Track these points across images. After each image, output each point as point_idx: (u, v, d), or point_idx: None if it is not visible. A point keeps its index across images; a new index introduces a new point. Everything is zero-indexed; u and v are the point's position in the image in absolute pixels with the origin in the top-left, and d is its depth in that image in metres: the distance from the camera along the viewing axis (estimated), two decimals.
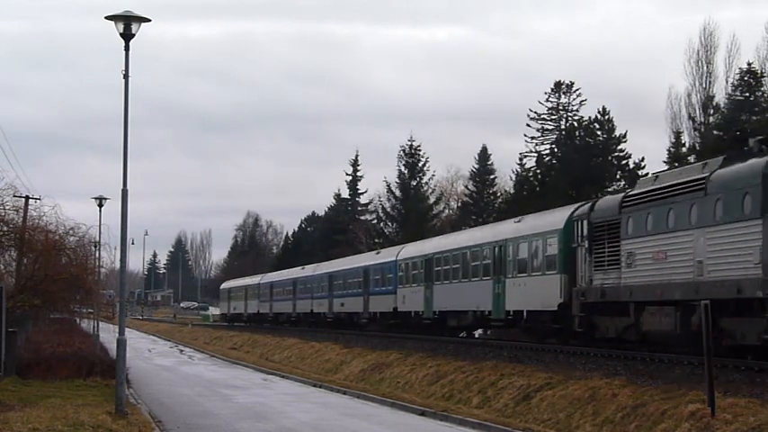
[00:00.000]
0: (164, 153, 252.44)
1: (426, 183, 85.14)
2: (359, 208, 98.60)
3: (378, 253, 59.87)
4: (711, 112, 62.15)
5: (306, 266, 74.54)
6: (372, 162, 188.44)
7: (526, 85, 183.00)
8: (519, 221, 38.70)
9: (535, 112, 78.90)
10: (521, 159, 77.97)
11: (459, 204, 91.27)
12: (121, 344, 25.49)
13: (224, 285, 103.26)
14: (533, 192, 65.48)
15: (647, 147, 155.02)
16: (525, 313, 36.20)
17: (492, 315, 38.92)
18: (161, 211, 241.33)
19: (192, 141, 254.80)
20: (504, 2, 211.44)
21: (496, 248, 38.71)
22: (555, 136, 75.56)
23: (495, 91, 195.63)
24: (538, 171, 68.95)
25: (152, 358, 63.63)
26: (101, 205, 50.83)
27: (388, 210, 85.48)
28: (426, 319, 46.72)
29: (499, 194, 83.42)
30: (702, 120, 63.08)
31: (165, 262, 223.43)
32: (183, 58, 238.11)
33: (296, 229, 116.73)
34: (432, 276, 45.87)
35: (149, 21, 24.96)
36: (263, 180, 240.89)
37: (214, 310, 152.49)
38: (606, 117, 65.92)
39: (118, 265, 36.89)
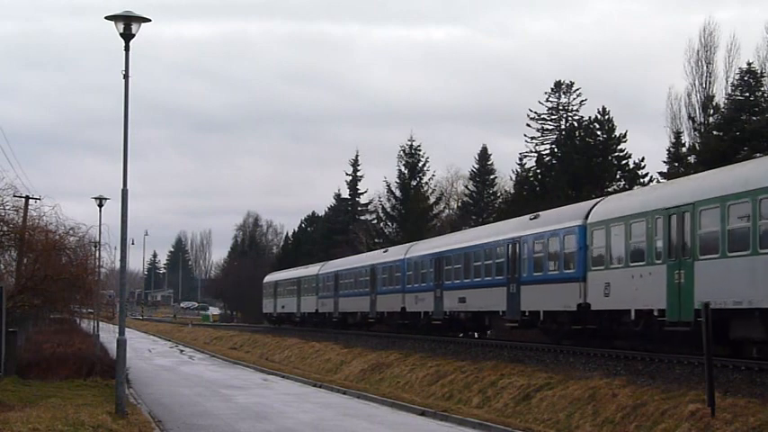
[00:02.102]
0: (160, 153, 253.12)
1: (426, 183, 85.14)
2: (359, 208, 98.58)
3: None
4: (711, 112, 62.08)
5: (389, 249, 58.52)
6: (372, 162, 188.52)
7: (524, 85, 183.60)
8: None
9: (535, 112, 78.98)
10: (521, 159, 78.06)
11: (459, 204, 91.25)
12: (121, 344, 25.48)
13: (269, 278, 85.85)
14: (533, 192, 65.41)
15: (646, 147, 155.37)
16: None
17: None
18: (161, 211, 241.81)
19: (189, 142, 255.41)
20: (498, 1, 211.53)
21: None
22: (555, 136, 75.52)
23: (494, 91, 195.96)
24: (538, 171, 68.87)
25: (152, 358, 63.63)
26: (101, 205, 50.83)
27: (388, 210, 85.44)
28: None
29: (499, 194, 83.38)
30: (702, 120, 63.03)
31: (165, 262, 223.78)
32: (179, 59, 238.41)
33: (296, 229, 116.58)
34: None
35: (149, 21, 24.96)
36: (262, 180, 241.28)
37: (214, 311, 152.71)
38: (606, 117, 65.85)
39: (118, 265, 36.93)
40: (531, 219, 36.79)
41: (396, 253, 53.07)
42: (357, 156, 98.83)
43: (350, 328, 58.62)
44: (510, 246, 36.95)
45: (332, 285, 58.07)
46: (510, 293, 36.52)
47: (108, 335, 55.20)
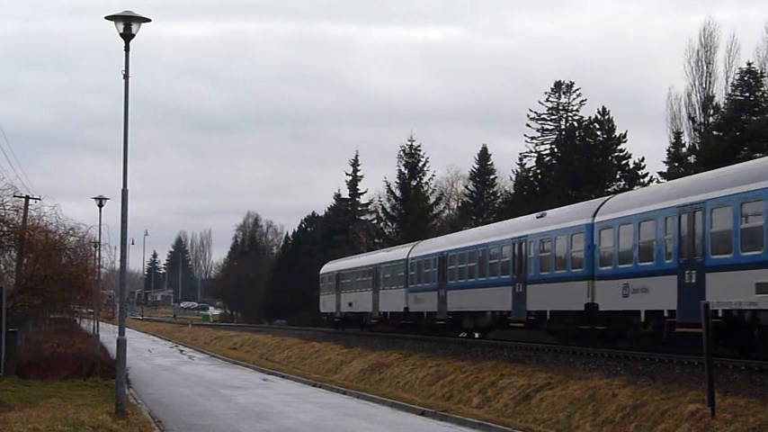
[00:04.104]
0: (160, 153, 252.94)
1: (426, 183, 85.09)
2: (359, 208, 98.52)
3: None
4: (711, 112, 62.10)
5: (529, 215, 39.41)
6: (372, 162, 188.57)
7: (524, 85, 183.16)
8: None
9: (535, 112, 78.97)
10: (521, 159, 78.06)
11: (460, 204, 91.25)
12: (121, 344, 25.48)
13: (328, 267, 66.52)
14: (533, 192, 65.42)
15: (646, 147, 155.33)
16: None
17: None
18: (161, 211, 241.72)
19: (189, 142, 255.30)
20: (498, 1, 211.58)
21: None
22: (555, 136, 75.53)
23: (494, 91, 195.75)
24: (538, 171, 68.89)
25: (152, 358, 63.64)
26: (101, 205, 50.82)
27: (388, 210, 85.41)
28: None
29: (499, 194, 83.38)
30: (702, 120, 63.05)
31: (165, 262, 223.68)
32: (179, 59, 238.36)
33: (296, 229, 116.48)
34: None
35: (149, 21, 24.96)
36: (262, 180, 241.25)
37: (214, 311, 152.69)
38: (606, 117, 65.86)
39: (118, 265, 36.91)
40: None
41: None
42: (357, 156, 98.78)
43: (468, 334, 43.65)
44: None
45: (433, 273, 45.15)
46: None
47: (108, 335, 55.20)
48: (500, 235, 38.68)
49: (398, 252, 52.74)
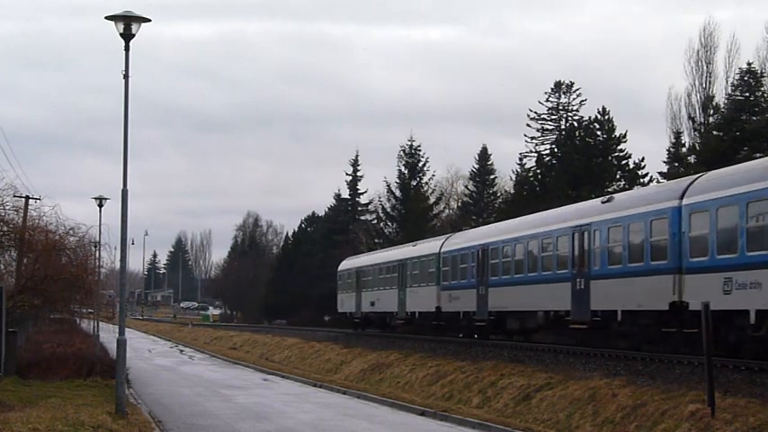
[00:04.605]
0: (160, 153, 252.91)
1: (426, 183, 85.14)
2: (359, 208, 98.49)
3: None
4: (711, 112, 62.15)
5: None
6: (372, 162, 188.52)
7: (524, 85, 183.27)
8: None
9: (535, 112, 79.04)
10: (521, 159, 78.14)
11: (460, 204, 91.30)
12: (121, 344, 25.48)
13: (347, 264, 62.98)
14: (533, 192, 65.47)
15: (646, 147, 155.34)
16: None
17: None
18: (161, 211, 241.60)
19: (189, 142, 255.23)
20: (498, 1, 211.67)
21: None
22: (555, 136, 75.59)
23: (494, 91, 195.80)
24: (538, 171, 68.95)
25: (152, 358, 63.63)
26: (101, 205, 50.83)
27: (388, 210, 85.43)
28: None
29: (499, 194, 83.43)
30: (702, 120, 63.09)
31: (165, 262, 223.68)
32: (179, 59, 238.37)
33: (296, 229, 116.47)
34: None
35: (149, 21, 24.96)
36: (262, 180, 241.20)
37: (214, 311, 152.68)
38: (606, 117, 65.92)
39: (118, 265, 36.90)
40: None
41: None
42: (357, 156, 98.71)
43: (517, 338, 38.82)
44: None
45: (471, 268, 40.97)
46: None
47: (108, 335, 55.17)
48: (556, 223, 34.03)
49: (429, 246, 48.25)
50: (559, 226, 33.51)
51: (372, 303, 54.30)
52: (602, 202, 32.25)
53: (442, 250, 45.05)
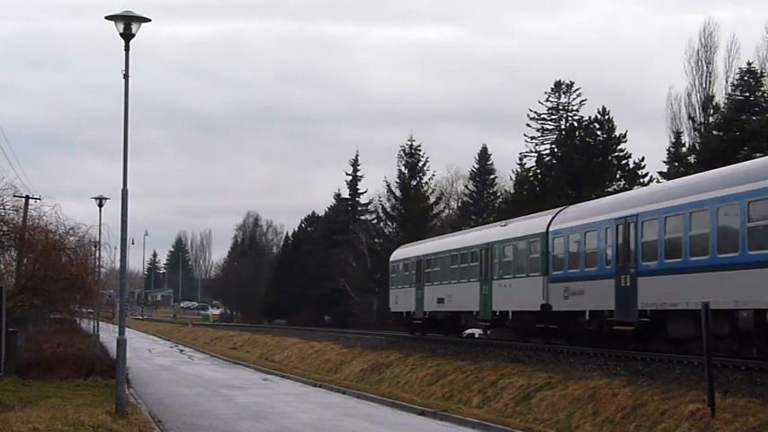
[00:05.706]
0: (160, 153, 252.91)
1: (426, 183, 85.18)
2: (359, 208, 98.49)
3: None
4: (711, 112, 62.18)
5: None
6: (372, 162, 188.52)
7: (524, 85, 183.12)
8: None
9: (535, 112, 79.03)
10: (521, 159, 78.14)
11: (460, 204, 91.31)
12: (121, 344, 25.48)
13: (401, 253, 52.21)
14: (533, 192, 65.50)
15: (646, 147, 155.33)
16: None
17: None
18: (161, 211, 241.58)
19: (188, 142, 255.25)
20: (497, 1, 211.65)
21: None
22: (555, 136, 75.59)
23: (494, 91, 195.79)
24: (538, 171, 68.98)
25: (152, 358, 63.64)
26: (101, 205, 50.84)
27: (388, 210, 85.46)
28: None
29: (499, 194, 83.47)
30: (702, 120, 63.12)
31: (165, 262, 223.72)
32: (178, 59, 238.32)
33: (296, 229, 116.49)
34: None
35: (149, 21, 24.96)
36: (262, 180, 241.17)
37: (213, 311, 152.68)
38: (606, 117, 65.95)
39: (118, 265, 36.88)
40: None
41: None
42: (357, 156, 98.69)
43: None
44: None
45: (602, 251, 30.24)
46: None
47: (108, 335, 55.14)
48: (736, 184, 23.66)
49: (530, 224, 37.19)
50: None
51: (440, 301, 44.01)
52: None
53: (551, 229, 34.20)
